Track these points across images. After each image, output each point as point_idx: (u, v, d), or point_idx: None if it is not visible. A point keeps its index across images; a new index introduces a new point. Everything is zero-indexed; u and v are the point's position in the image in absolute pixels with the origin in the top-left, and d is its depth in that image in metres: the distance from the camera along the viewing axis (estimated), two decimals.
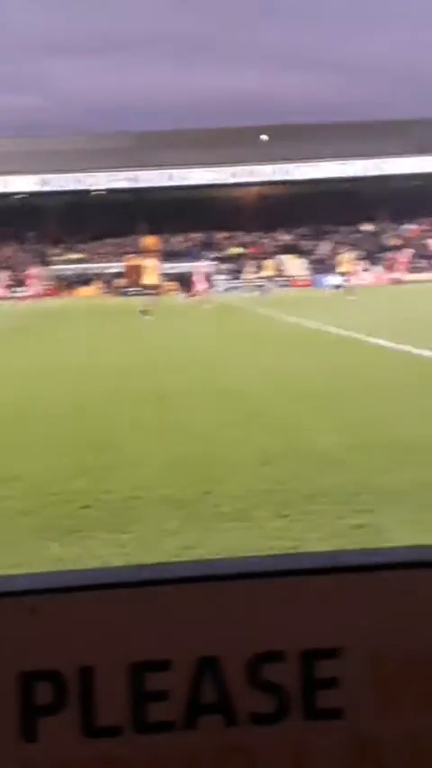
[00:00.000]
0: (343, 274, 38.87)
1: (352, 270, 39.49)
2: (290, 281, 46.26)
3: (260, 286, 49.54)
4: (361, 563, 1.22)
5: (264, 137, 65.29)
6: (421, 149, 64.57)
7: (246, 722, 1.17)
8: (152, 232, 64.94)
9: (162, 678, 1.16)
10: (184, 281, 46.56)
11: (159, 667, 1.16)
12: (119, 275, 61.04)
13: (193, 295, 37.37)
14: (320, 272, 59.97)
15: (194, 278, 39.31)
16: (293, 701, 1.17)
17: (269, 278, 49.69)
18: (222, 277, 55.33)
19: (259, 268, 60.25)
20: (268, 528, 5.33)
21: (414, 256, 62.61)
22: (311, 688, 1.17)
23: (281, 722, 1.17)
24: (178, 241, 66.09)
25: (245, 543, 5.03)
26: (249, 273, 58.10)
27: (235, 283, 54.44)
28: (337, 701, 1.18)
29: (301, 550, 4.77)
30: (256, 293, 44.30)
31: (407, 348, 14.97)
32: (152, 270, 31.70)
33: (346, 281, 38.45)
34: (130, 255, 62.85)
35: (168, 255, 62.15)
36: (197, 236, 66.42)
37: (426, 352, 14.05)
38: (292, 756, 1.17)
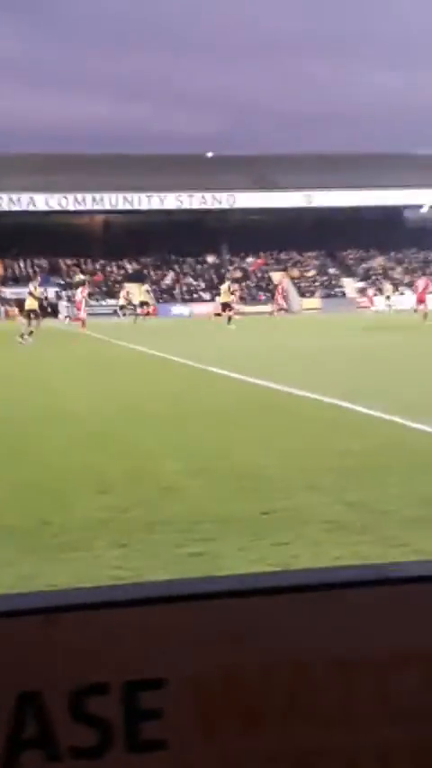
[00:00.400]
0: (225, 306, 38.89)
1: (230, 300, 39.42)
2: (136, 309, 46.44)
3: (104, 313, 49.42)
4: (183, 592, 1.23)
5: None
6: (261, 185, 66.45)
7: (68, 757, 1.15)
8: None
9: None
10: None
11: None
12: None
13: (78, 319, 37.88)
14: (166, 302, 60.50)
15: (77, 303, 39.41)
16: (116, 734, 1.16)
17: (115, 306, 49.69)
18: (66, 303, 54.83)
19: (105, 295, 60.11)
20: (107, 557, 5.31)
21: (254, 288, 64.17)
22: (135, 720, 1.17)
23: (104, 756, 1.16)
24: (22, 267, 65.02)
25: (84, 573, 4.99)
26: (95, 301, 57.84)
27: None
28: (160, 732, 1.17)
29: (138, 580, 4.78)
30: (100, 320, 44.14)
31: (243, 377, 15.31)
32: (31, 297, 31.63)
33: (229, 308, 38.45)
34: None
35: (12, 281, 61.07)
36: (42, 263, 65.57)
37: (262, 382, 14.41)
38: None
